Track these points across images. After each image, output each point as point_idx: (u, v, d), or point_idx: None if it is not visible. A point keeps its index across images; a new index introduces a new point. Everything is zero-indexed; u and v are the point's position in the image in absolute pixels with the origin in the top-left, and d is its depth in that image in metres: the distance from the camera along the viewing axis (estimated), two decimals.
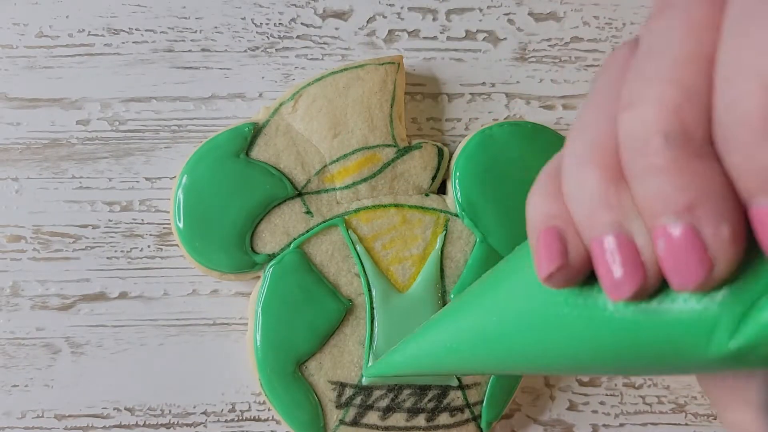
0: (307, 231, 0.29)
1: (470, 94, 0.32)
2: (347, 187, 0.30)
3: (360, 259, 0.29)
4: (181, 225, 0.29)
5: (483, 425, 0.29)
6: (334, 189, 0.30)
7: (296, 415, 0.29)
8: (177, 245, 0.30)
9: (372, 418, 0.29)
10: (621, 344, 0.18)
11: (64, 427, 0.30)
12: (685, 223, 0.16)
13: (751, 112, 0.15)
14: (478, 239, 0.30)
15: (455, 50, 0.32)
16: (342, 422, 0.29)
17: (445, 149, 0.30)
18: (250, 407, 0.31)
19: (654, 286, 0.17)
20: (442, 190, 0.31)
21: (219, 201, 0.29)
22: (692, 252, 0.16)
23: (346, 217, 0.30)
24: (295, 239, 0.29)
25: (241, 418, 0.31)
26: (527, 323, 0.20)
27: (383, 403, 0.29)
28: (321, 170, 0.30)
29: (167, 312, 0.31)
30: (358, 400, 0.29)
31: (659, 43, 0.16)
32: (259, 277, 0.29)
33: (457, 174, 0.30)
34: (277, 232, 0.29)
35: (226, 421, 0.31)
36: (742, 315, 0.16)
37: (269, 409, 0.31)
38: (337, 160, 0.30)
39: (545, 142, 0.30)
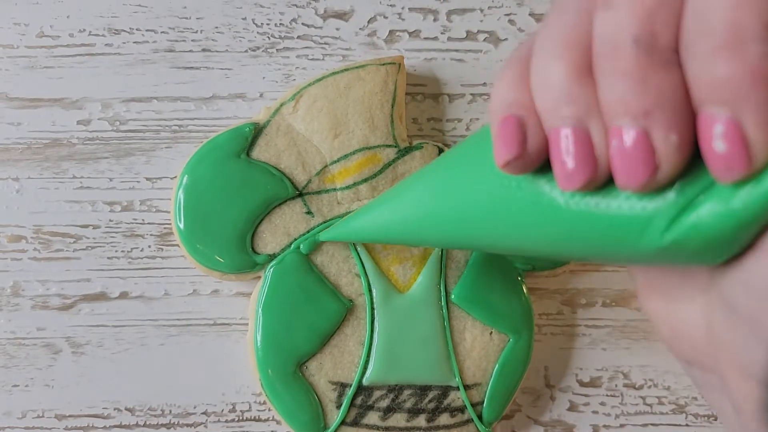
0: (308, 231, 0.29)
1: (471, 94, 0.32)
2: (348, 187, 0.30)
3: (360, 259, 0.29)
4: (181, 225, 0.29)
5: (483, 426, 0.29)
6: (334, 189, 0.30)
7: (297, 415, 0.29)
8: (178, 245, 0.30)
9: (372, 418, 0.29)
10: (564, 231, 0.19)
11: (64, 427, 0.30)
12: (638, 127, 0.17)
13: (716, 25, 0.15)
14: None
15: (456, 51, 0.32)
16: (342, 422, 0.29)
17: (446, 150, 0.30)
18: (250, 407, 0.31)
19: (602, 181, 0.18)
20: None
21: (220, 201, 0.29)
22: (640, 155, 0.17)
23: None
24: (295, 239, 0.29)
25: (241, 418, 0.31)
26: (478, 202, 0.21)
27: (384, 404, 0.29)
28: (322, 170, 0.30)
29: (168, 312, 0.31)
30: (358, 401, 0.29)
31: None
32: (259, 277, 0.29)
33: None
34: (277, 233, 0.29)
35: (226, 421, 0.31)
36: (676, 215, 0.17)
37: (270, 410, 0.31)
38: (338, 160, 0.30)
39: None
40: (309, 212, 0.29)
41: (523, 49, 0.19)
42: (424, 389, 0.29)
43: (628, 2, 0.16)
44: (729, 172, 0.16)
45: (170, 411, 0.30)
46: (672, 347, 0.21)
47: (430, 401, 0.29)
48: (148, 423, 0.30)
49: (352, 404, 0.29)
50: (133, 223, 0.31)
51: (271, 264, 0.29)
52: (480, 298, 0.29)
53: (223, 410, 0.31)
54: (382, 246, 0.29)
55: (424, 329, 0.29)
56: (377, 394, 0.29)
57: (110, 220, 0.31)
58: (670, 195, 0.17)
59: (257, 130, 0.29)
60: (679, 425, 0.31)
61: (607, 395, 0.31)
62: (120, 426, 0.30)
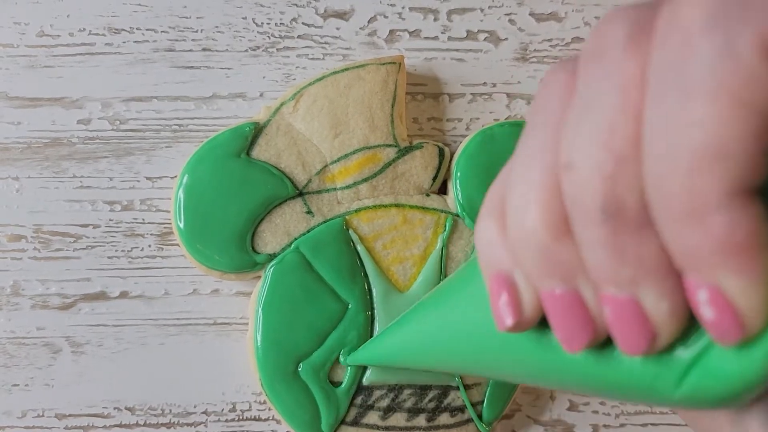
0: (308, 231, 0.29)
1: (471, 94, 0.32)
2: (348, 186, 0.30)
3: (360, 258, 0.29)
4: (181, 225, 0.29)
5: (483, 425, 0.29)
6: (334, 189, 0.30)
7: (297, 414, 0.29)
8: (178, 245, 0.30)
9: (372, 418, 0.29)
10: (576, 379, 0.18)
11: (64, 427, 0.30)
12: (627, 295, 0.16)
13: (675, 193, 0.14)
14: None
15: (456, 50, 0.32)
16: (342, 422, 0.29)
17: (446, 149, 0.31)
18: (250, 407, 0.31)
19: (603, 337, 0.17)
20: (442, 190, 0.31)
21: (220, 201, 0.29)
22: (635, 324, 0.16)
23: (346, 216, 0.30)
24: (296, 239, 0.29)
25: (241, 417, 0.31)
26: (488, 346, 0.20)
27: (384, 403, 0.29)
28: (322, 170, 0.30)
29: (168, 311, 0.31)
30: (358, 400, 0.29)
31: (593, 98, 0.15)
32: (259, 276, 0.29)
33: (458, 174, 0.30)
34: (278, 232, 0.29)
35: (226, 420, 0.31)
36: (684, 373, 0.17)
37: (270, 409, 0.31)
38: (338, 159, 0.30)
39: None
40: (309, 212, 0.29)
41: (500, 189, 0.18)
42: (424, 389, 0.29)
43: (590, 166, 0.15)
44: (724, 338, 0.15)
45: (170, 410, 0.30)
46: None
47: (430, 401, 0.29)
48: (148, 422, 0.30)
49: (352, 404, 0.29)
50: (133, 222, 0.31)
51: (271, 263, 0.29)
52: None
53: (223, 410, 0.31)
54: (382, 245, 0.29)
55: None
56: (377, 393, 0.29)
57: (110, 220, 0.31)
58: (678, 352, 0.17)
59: (257, 130, 0.29)
60: (679, 425, 0.31)
61: None
62: (120, 425, 0.30)
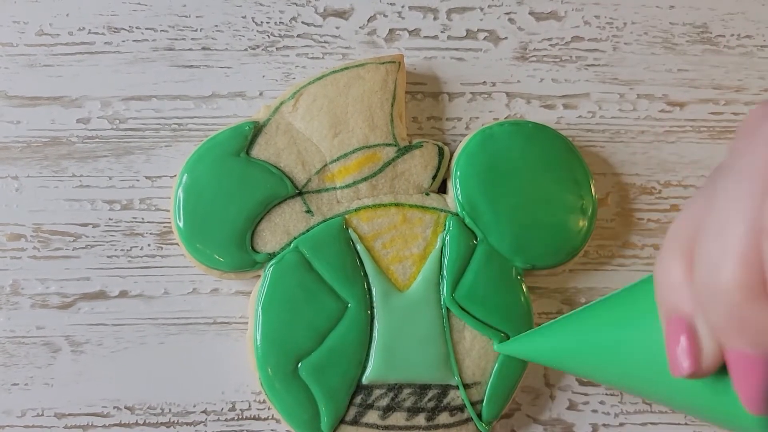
0: (308, 230, 0.29)
1: (471, 93, 0.32)
2: (348, 186, 0.30)
3: (360, 257, 0.29)
4: (181, 224, 0.29)
5: (483, 425, 0.29)
6: (334, 188, 0.30)
7: (296, 414, 0.29)
8: (177, 244, 0.30)
9: (372, 417, 0.29)
10: (742, 426, 0.18)
11: (64, 426, 0.30)
12: None
13: None
14: (478, 238, 0.30)
15: (456, 49, 0.32)
16: (342, 421, 0.29)
17: (446, 148, 0.30)
18: (250, 406, 0.31)
19: None
20: (442, 189, 0.31)
21: (219, 200, 0.29)
22: None
23: (346, 216, 0.30)
24: (295, 238, 0.29)
25: (241, 417, 0.31)
26: (651, 378, 0.20)
27: (383, 403, 0.29)
28: (321, 169, 0.30)
29: (167, 311, 0.31)
30: (358, 399, 0.29)
31: None
32: (259, 276, 0.29)
33: (458, 173, 0.30)
34: (277, 231, 0.29)
35: (226, 420, 0.31)
36: None
37: (269, 408, 0.31)
38: (338, 159, 0.30)
39: (546, 142, 0.30)
40: (309, 211, 0.29)
41: (685, 234, 0.18)
42: (423, 388, 0.29)
43: None
44: None
45: (170, 410, 0.30)
46: None
47: (429, 400, 0.29)
48: (147, 422, 0.30)
49: (351, 403, 0.29)
50: (132, 221, 0.31)
51: (270, 263, 0.29)
52: (479, 296, 0.29)
53: (222, 409, 0.31)
54: (382, 244, 0.29)
55: (424, 328, 0.29)
56: (377, 392, 0.29)
57: (110, 219, 0.31)
58: None
59: (257, 129, 0.29)
60: (679, 424, 0.31)
61: (606, 394, 0.31)
62: (120, 425, 0.30)
